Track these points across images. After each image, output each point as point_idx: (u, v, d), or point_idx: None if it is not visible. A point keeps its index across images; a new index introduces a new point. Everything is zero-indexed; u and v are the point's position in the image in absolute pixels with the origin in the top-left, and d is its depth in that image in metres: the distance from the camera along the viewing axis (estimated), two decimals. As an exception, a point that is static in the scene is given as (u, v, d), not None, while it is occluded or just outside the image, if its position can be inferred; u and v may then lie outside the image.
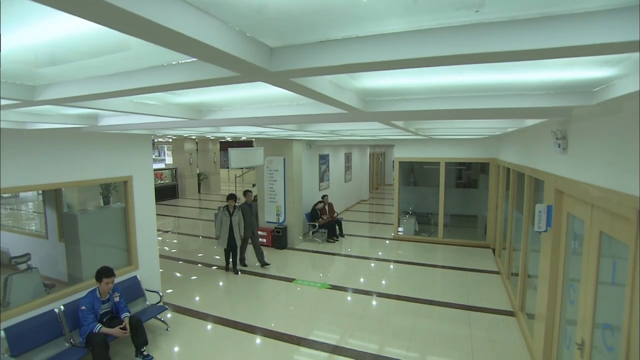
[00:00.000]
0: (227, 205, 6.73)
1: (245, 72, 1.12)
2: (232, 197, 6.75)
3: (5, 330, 3.61)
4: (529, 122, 3.56)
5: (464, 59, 0.98)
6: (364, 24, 0.99)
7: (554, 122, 3.45)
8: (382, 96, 2.05)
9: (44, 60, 1.52)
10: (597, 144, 2.64)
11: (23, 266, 4.43)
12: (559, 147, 3.39)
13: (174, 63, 1.28)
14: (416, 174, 10.71)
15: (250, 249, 7.53)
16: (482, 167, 9.39)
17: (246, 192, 7.24)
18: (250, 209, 7.10)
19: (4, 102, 1.90)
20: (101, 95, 1.56)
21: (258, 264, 7.38)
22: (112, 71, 1.44)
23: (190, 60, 1.24)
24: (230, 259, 7.08)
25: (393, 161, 10.39)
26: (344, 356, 4.28)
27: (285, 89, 1.39)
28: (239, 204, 7.09)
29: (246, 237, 7.15)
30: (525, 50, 0.92)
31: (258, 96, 2.20)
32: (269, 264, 7.35)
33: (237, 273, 7.00)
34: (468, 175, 10.23)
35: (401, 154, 9.54)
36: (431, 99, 1.98)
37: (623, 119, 2.20)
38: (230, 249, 6.93)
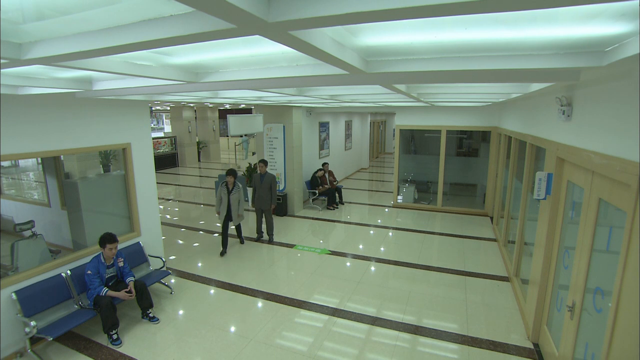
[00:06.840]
0: (226, 182, 6.32)
1: (241, 24, 1.06)
2: (231, 172, 6.28)
3: (17, 292, 3.75)
4: (534, 87, 3.46)
5: (472, 7, 0.92)
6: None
7: (559, 88, 3.36)
8: (385, 56, 1.97)
9: (30, 15, 1.44)
10: (602, 110, 2.58)
11: (28, 233, 4.51)
12: (563, 114, 3.33)
13: (166, 16, 1.21)
14: (417, 142, 10.63)
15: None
16: (484, 136, 9.31)
17: (259, 162, 6.99)
18: (261, 180, 6.86)
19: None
20: (92, 53, 1.49)
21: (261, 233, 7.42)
22: (102, 26, 1.36)
23: (183, 12, 1.18)
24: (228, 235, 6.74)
25: (394, 129, 10.27)
26: (343, 318, 4.45)
27: (284, 44, 1.33)
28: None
29: (258, 209, 7.06)
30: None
31: (256, 56, 2.12)
32: (271, 239, 7.21)
33: (242, 242, 7.07)
34: (469, 144, 10.17)
35: (402, 121, 9.41)
36: (436, 60, 1.89)
37: (629, 84, 2.14)
38: (226, 227, 6.46)
